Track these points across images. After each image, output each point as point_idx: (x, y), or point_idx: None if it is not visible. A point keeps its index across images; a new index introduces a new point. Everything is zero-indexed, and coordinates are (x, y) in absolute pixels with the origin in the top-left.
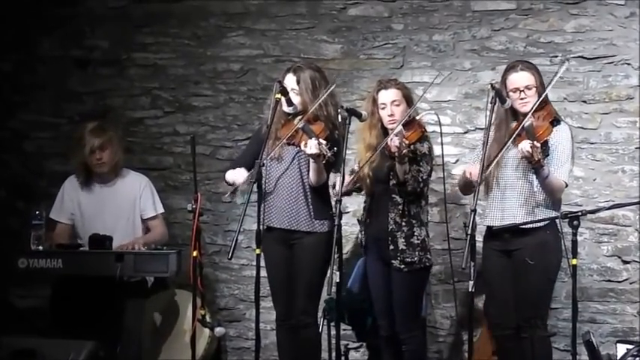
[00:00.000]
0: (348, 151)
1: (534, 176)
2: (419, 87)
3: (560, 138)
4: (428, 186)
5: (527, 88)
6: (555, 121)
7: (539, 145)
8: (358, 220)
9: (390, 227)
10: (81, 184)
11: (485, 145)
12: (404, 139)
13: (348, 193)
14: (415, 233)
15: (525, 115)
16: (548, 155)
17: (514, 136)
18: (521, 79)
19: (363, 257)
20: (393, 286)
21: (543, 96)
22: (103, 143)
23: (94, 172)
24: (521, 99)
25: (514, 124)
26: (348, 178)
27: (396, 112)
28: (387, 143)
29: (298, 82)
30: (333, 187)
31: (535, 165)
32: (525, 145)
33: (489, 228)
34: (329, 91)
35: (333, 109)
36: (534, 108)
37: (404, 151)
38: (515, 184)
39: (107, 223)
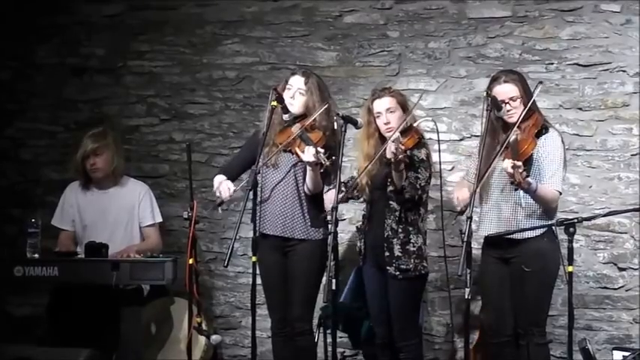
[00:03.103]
0: (344, 159)
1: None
2: (415, 94)
3: (549, 147)
4: (427, 193)
5: (512, 99)
6: (544, 129)
7: (520, 164)
8: (357, 228)
9: (387, 234)
10: (81, 189)
11: (481, 153)
12: (400, 145)
13: (345, 200)
14: (411, 240)
15: (513, 125)
16: (530, 170)
17: (501, 151)
18: (504, 91)
19: (358, 265)
20: (389, 293)
21: (524, 111)
22: (98, 149)
23: (92, 179)
24: (508, 110)
25: (503, 135)
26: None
27: (391, 119)
28: (384, 150)
29: (307, 83)
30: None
31: (517, 186)
32: (507, 165)
33: (487, 237)
34: (323, 108)
35: (331, 118)
36: (521, 118)
37: (400, 156)
38: (508, 195)
39: (106, 230)
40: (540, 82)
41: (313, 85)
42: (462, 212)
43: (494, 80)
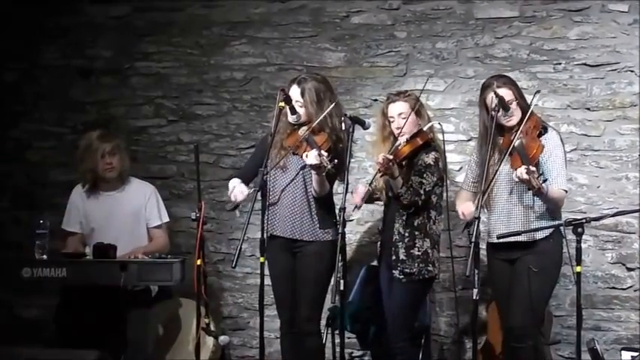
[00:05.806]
0: (352, 160)
1: (529, 191)
2: (422, 95)
3: (550, 147)
4: (438, 196)
5: (509, 103)
6: (543, 129)
7: (534, 169)
8: (378, 229)
9: (394, 237)
10: (87, 192)
11: (489, 153)
12: (387, 156)
13: (371, 200)
14: (417, 244)
15: (512, 129)
16: (542, 173)
17: (505, 155)
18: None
19: (365, 265)
20: (391, 295)
21: (528, 112)
22: (113, 148)
23: (100, 180)
24: (505, 115)
25: (500, 139)
26: (362, 188)
27: (403, 124)
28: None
29: (303, 94)
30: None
31: (535, 192)
32: (522, 172)
33: (492, 243)
34: (331, 107)
35: (338, 120)
36: (522, 121)
37: (382, 169)
38: (517, 199)
39: (113, 232)
40: (538, 92)
41: (310, 94)
42: (469, 225)
43: (487, 87)
